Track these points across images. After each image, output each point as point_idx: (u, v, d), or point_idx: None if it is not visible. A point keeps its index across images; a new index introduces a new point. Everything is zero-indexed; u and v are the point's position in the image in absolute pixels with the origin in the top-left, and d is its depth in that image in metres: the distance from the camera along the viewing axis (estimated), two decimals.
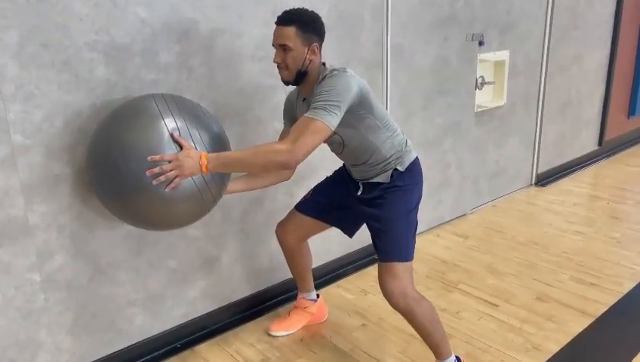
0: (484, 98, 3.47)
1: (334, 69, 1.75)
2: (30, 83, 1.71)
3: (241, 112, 2.25)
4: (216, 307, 2.37)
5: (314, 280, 2.58)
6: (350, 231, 2.15)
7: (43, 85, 1.74)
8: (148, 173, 1.61)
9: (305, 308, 2.35)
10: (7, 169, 1.72)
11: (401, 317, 1.87)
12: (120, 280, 2.06)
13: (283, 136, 2.01)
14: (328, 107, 1.63)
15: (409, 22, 2.82)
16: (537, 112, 3.93)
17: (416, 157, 1.93)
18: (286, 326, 2.32)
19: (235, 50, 2.17)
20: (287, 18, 1.75)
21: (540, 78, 3.85)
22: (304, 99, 1.88)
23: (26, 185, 1.77)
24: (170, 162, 1.61)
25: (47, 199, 1.82)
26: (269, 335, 2.30)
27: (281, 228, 2.20)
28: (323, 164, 2.39)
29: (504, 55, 3.44)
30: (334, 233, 2.22)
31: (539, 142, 4.01)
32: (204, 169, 1.64)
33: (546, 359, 2.11)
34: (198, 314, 2.31)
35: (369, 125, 1.80)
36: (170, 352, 2.22)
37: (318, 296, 2.40)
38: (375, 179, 1.89)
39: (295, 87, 1.91)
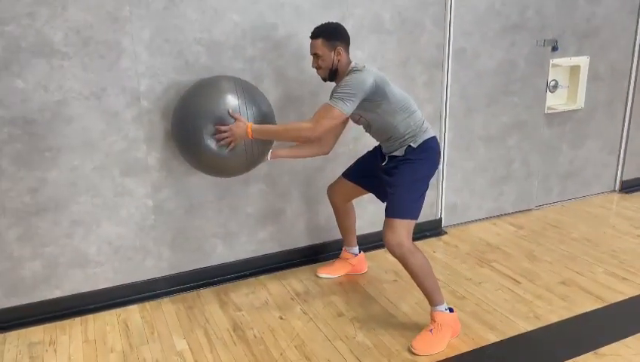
0: (557, 101, 3.65)
1: (356, 68, 2.26)
2: (155, 66, 2.48)
3: (306, 96, 2.84)
4: (281, 250, 3.00)
5: (368, 243, 3.08)
6: (382, 197, 2.62)
7: (163, 68, 2.50)
8: (217, 136, 2.29)
9: (347, 259, 2.88)
10: (137, 124, 2.52)
11: None
12: (207, 215, 2.78)
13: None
14: (345, 98, 2.16)
15: (474, 30, 3.18)
16: (624, 119, 3.96)
17: (432, 138, 2.36)
18: (330, 270, 2.88)
19: (306, 48, 2.76)
20: (315, 33, 2.35)
21: (629, 85, 3.88)
22: None
23: (148, 136, 2.55)
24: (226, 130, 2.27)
25: (161, 148, 2.59)
26: (316, 276, 2.88)
27: (330, 189, 2.77)
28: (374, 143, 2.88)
29: (581, 61, 3.59)
30: None
31: (625, 149, 4.03)
32: (249, 135, 2.26)
33: (541, 326, 2.40)
34: (265, 253, 2.97)
35: (386, 109, 2.27)
36: (239, 277, 2.90)
37: (360, 251, 2.91)
38: (394, 153, 2.36)
39: None
